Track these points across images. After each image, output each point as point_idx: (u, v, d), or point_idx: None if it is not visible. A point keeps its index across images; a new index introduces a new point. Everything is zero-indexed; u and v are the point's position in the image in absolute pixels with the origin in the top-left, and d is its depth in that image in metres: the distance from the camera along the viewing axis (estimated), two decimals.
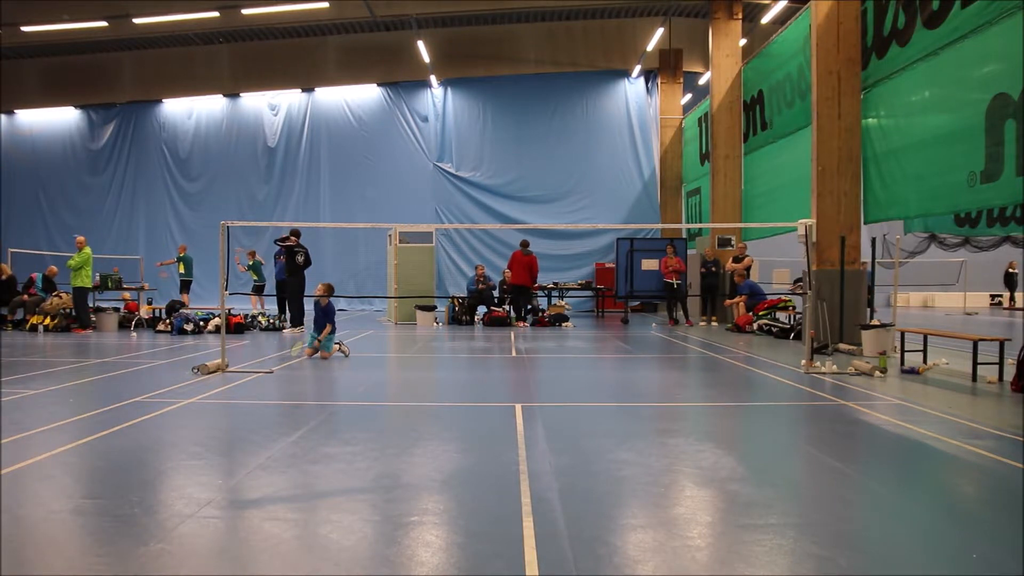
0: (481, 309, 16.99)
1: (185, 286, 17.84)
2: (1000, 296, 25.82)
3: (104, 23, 19.83)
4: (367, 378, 8.26)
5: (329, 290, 9.97)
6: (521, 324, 15.96)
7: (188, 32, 21.35)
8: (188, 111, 24.03)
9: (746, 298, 14.56)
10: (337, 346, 9.85)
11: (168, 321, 13.60)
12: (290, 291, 14.14)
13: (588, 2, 19.79)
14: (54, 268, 16.22)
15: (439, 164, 22.48)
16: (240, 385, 7.35)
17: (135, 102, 24.18)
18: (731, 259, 15.73)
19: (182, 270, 17.79)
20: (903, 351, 9.44)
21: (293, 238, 14.13)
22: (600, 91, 22.39)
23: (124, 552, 2.94)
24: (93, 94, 24.33)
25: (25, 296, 14.94)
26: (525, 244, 16.46)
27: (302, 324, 14.13)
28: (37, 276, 16.03)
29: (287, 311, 14.45)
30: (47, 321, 13.90)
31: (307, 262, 14.19)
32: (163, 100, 24.12)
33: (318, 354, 9.62)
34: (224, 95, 23.75)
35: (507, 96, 22.45)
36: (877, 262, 13.22)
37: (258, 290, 17.07)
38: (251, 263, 17.79)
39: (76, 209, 24.43)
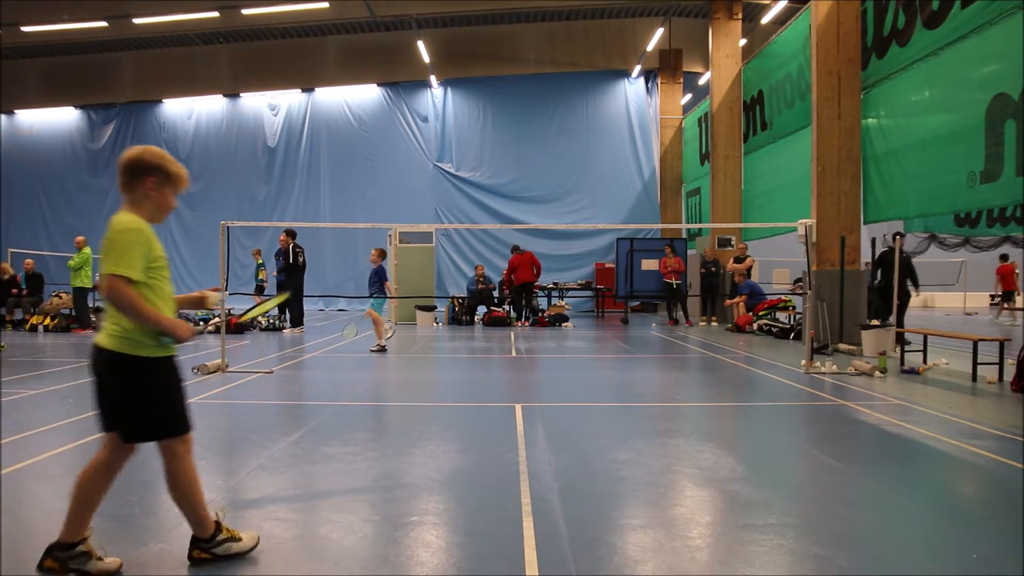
0: (481, 309, 16.99)
1: None
2: (1000, 296, 25.79)
3: (104, 23, 19.83)
4: (367, 378, 8.26)
5: (381, 254, 10.96)
6: (522, 324, 15.95)
7: (188, 32, 21.35)
8: (188, 111, 24.03)
9: (746, 298, 14.56)
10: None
11: None
12: (292, 291, 14.10)
13: (588, 2, 19.79)
14: (30, 262, 15.89)
15: (439, 164, 22.48)
16: (240, 385, 7.35)
17: (135, 102, 24.18)
18: (732, 259, 15.74)
19: None
20: (903, 351, 9.44)
21: (287, 237, 14.10)
22: (600, 91, 22.39)
23: (124, 552, 2.93)
24: (93, 94, 24.33)
25: (14, 291, 14.74)
26: (516, 248, 16.49)
27: (302, 324, 14.13)
28: (21, 276, 15.62)
29: (287, 311, 14.43)
30: (47, 321, 13.90)
31: (304, 263, 14.18)
32: (163, 100, 24.13)
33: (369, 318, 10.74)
34: (224, 95, 23.76)
35: (507, 96, 22.44)
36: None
37: (259, 290, 16.88)
38: (259, 262, 17.70)
39: (76, 209, 24.42)
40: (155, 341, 2.69)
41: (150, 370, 2.70)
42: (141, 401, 2.70)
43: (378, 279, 10.80)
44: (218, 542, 2.87)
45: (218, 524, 2.90)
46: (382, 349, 10.40)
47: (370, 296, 10.87)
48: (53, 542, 2.73)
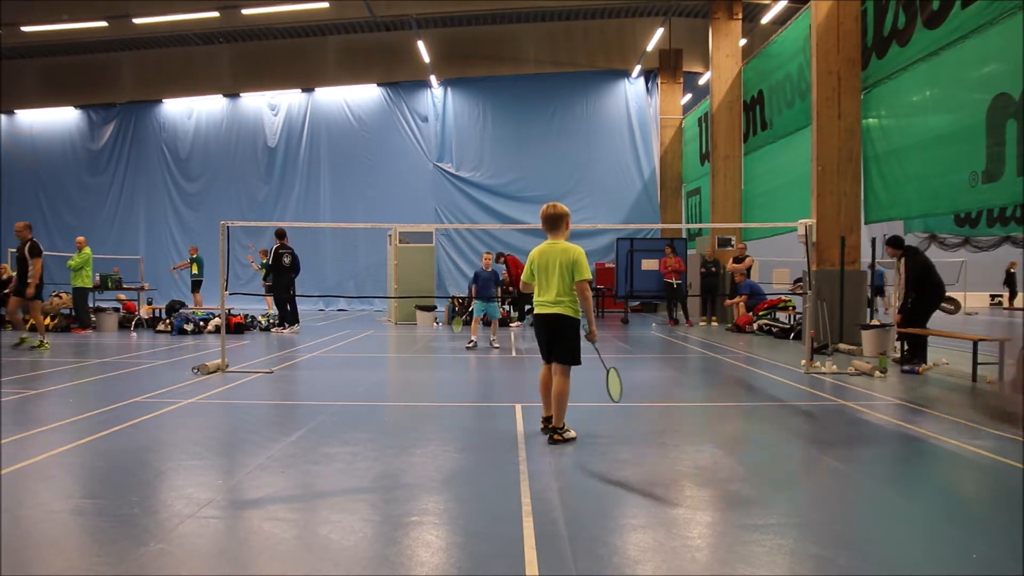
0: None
1: (196, 285, 17.93)
2: (1000, 296, 25.82)
3: (104, 23, 19.85)
4: (367, 378, 8.26)
5: (493, 258, 11.75)
6: (519, 325, 15.94)
7: (188, 32, 21.38)
8: (188, 111, 24.04)
9: (746, 298, 14.55)
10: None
11: (168, 321, 13.60)
12: (277, 292, 14.09)
13: (588, 2, 19.80)
14: (5, 266, 15.74)
15: (439, 164, 22.48)
16: (240, 385, 7.35)
17: (135, 102, 24.19)
18: (732, 259, 15.73)
19: (195, 270, 17.98)
20: (903, 351, 9.43)
21: (275, 238, 14.06)
22: (600, 91, 22.40)
23: (124, 552, 2.93)
24: (93, 94, 24.33)
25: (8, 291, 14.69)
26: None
27: (294, 324, 14.06)
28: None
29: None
30: (47, 321, 13.89)
31: (293, 263, 14.06)
32: (163, 100, 24.14)
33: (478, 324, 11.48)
34: (224, 95, 23.77)
35: (507, 96, 22.45)
36: (877, 262, 13.21)
37: (270, 289, 16.73)
38: (264, 261, 17.68)
39: (76, 209, 24.43)
40: (580, 311, 4.99)
41: (579, 326, 4.98)
42: (578, 342, 4.96)
43: (496, 283, 11.35)
44: (566, 429, 4.88)
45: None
46: (473, 345, 11.18)
47: (487, 299, 11.31)
48: (551, 426, 4.93)
